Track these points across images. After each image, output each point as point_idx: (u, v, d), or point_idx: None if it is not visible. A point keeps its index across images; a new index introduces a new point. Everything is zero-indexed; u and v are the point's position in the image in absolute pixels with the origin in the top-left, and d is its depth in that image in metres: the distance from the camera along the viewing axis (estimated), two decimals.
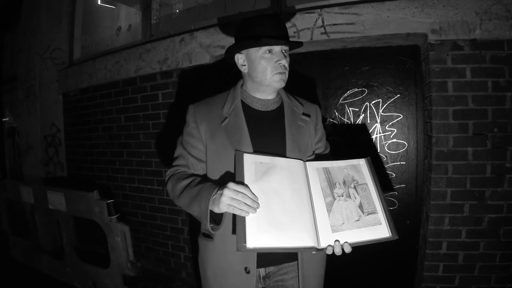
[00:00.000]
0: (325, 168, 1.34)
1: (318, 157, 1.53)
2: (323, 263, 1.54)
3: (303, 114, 1.51)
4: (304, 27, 2.48)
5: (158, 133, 3.19)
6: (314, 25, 2.45)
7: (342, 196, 1.27)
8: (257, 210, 1.14)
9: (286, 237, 1.15)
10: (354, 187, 1.29)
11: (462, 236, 2.19)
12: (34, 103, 4.13)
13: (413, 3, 2.19)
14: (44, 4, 4.10)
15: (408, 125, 2.47)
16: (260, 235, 1.13)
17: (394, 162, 2.51)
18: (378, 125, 2.53)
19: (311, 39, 2.47)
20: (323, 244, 1.16)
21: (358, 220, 1.21)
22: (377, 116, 2.53)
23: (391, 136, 2.50)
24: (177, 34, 3.06)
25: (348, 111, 2.60)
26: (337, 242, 1.15)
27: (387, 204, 1.27)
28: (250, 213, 1.13)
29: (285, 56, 1.37)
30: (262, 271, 1.41)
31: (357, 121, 2.57)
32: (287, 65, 1.38)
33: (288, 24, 2.49)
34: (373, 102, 2.53)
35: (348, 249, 1.15)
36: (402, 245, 2.50)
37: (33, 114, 4.15)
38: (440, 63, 2.16)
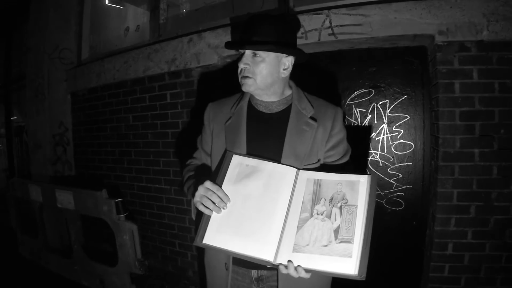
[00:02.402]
0: (317, 180, 1.24)
1: (328, 167, 1.43)
2: (318, 279, 1.35)
3: (311, 118, 1.43)
4: (312, 28, 2.51)
5: (166, 132, 3.26)
6: (322, 26, 2.48)
7: (322, 214, 1.16)
8: (224, 211, 1.22)
9: (243, 244, 1.16)
10: (340, 207, 1.16)
11: (468, 237, 2.22)
12: (42, 102, 4.22)
13: (420, 5, 2.21)
14: (52, 4, 4.18)
15: (415, 126, 2.51)
16: (218, 235, 1.19)
17: (400, 163, 2.55)
18: (385, 125, 2.57)
19: (319, 40, 2.50)
20: (279, 261, 1.13)
21: (326, 245, 1.10)
22: (384, 117, 2.57)
23: (398, 137, 2.54)
24: (185, 34, 3.12)
25: (355, 111, 2.64)
26: (290, 263, 1.11)
27: (369, 236, 1.10)
28: (214, 213, 1.22)
29: (244, 62, 1.36)
30: (254, 272, 1.45)
31: (364, 122, 2.62)
32: (247, 68, 1.36)
33: (295, 25, 2.53)
34: (380, 103, 2.57)
35: (303, 274, 1.10)
36: (408, 245, 2.54)
37: (42, 113, 4.24)
38: (447, 64, 2.18)
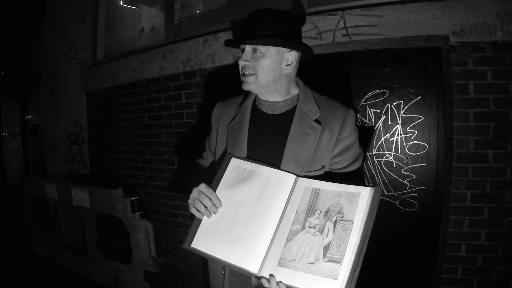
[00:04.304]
0: (315, 189, 1.16)
1: (332, 175, 1.37)
2: None
3: (316, 120, 1.36)
4: (326, 28, 2.57)
5: (181, 132, 3.37)
6: (336, 26, 2.54)
7: (314, 228, 1.08)
8: (215, 216, 1.22)
9: (230, 252, 1.14)
10: (335, 222, 1.06)
11: (481, 239, 2.26)
12: (58, 101, 4.38)
13: (434, 5, 2.26)
14: (68, 5, 4.35)
15: (429, 127, 2.56)
16: (207, 240, 1.19)
17: (414, 164, 2.61)
18: (399, 126, 2.63)
19: (333, 40, 2.56)
20: (263, 273, 1.09)
21: (312, 263, 1.02)
22: (398, 118, 2.63)
23: (412, 138, 2.60)
24: (200, 35, 3.22)
25: (370, 112, 2.70)
26: (272, 278, 1.06)
27: (362, 257, 1.00)
28: (205, 217, 1.22)
29: (243, 58, 1.34)
30: (254, 280, 1.40)
31: (378, 123, 2.68)
32: (247, 65, 1.34)
33: (310, 26, 2.61)
34: (394, 103, 2.63)
35: None
36: (421, 247, 2.60)
37: (57, 113, 4.40)
38: (461, 65, 2.23)
